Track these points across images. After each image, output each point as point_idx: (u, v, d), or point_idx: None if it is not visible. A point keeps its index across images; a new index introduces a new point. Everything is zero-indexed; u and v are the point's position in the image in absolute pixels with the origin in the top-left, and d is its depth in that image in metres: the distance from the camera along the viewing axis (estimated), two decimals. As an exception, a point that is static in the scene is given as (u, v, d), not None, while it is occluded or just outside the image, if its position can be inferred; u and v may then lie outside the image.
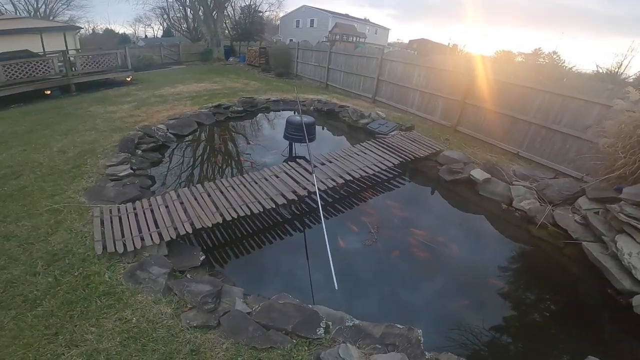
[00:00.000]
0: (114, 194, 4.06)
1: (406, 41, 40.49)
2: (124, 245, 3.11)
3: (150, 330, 2.41)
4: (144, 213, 3.60)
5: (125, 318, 2.48)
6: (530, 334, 2.95)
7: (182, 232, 3.33)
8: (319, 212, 3.47)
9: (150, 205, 3.76)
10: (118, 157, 5.03)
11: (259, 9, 26.34)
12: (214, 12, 21.04)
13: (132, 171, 4.75)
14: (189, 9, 27.14)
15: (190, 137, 7.08)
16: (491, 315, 3.07)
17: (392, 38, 45.91)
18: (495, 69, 6.85)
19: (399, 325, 2.54)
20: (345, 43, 26.48)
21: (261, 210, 3.82)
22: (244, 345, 2.34)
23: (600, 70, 11.84)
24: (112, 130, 6.39)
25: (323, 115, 9.01)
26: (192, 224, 3.46)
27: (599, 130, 4.77)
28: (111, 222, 3.42)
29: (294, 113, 9.02)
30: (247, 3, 25.34)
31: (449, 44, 27.82)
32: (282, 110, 9.52)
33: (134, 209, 3.68)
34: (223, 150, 6.73)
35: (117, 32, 37.98)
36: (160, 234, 3.29)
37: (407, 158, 5.62)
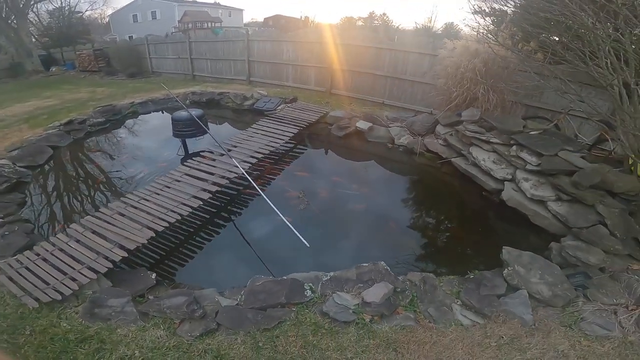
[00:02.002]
0: (-4, 248, 3.24)
1: (261, 19, 40.27)
2: (58, 291, 2.67)
3: (160, 357, 2.28)
4: (54, 255, 3.05)
5: (127, 355, 2.29)
6: (447, 239, 3.90)
7: (117, 259, 2.99)
8: (252, 189, 3.58)
9: (55, 245, 3.17)
10: (-35, 210, 3.88)
11: (76, 10, 21.78)
12: (11, 20, 16.49)
13: (0, 220, 3.78)
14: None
15: (50, 164, 5.80)
16: (414, 235, 3.86)
17: (246, 18, 44.86)
18: (348, 35, 7.88)
19: (364, 264, 2.99)
20: (200, 30, 24.67)
21: (190, 211, 3.68)
22: (256, 331, 2.41)
23: (418, 26, 14.80)
24: None
25: (203, 106, 8.55)
26: (122, 247, 3.11)
27: (434, 74, 6.21)
28: (20, 275, 2.85)
29: (163, 112, 8.33)
30: (56, 6, 20.57)
31: (301, 17, 29.42)
32: (154, 111, 8.62)
33: (37, 255, 3.07)
34: (104, 167, 5.80)
35: None
36: (92, 269, 2.88)
37: (301, 126, 6.11)
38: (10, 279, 2.86)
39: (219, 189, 4.12)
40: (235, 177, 4.32)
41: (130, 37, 22.34)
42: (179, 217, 3.56)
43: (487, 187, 4.50)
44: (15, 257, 3.12)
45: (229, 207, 4.39)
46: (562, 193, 3.67)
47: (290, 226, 3.14)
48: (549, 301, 2.64)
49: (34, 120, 7.42)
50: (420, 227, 4.13)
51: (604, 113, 3.52)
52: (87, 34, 22.27)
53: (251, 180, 3.69)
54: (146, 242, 3.23)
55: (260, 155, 4.93)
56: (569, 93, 3.97)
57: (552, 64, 4.12)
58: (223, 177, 4.28)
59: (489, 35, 5.02)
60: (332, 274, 2.96)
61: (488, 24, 5.75)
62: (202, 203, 3.83)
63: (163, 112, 8.61)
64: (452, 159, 5.15)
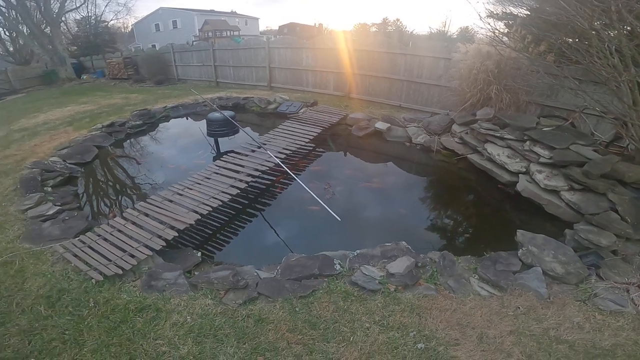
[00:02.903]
0: (59, 231, 3.71)
1: (275, 27, 41.38)
2: (119, 266, 3.05)
3: (209, 322, 2.56)
4: (114, 235, 3.48)
5: (179, 322, 2.57)
6: (464, 228, 4.18)
7: (170, 237, 3.41)
8: (283, 181, 3.97)
9: (113, 227, 3.62)
10: (31, 198, 4.40)
11: (102, 19, 23.08)
12: (45, 28, 17.66)
13: (59, 207, 4.28)
14: (2, 30, 21.67)
15: (96, 161, 6.39)
16: (433, 223, 4.15)
17: (261, 26, 46.25)
18: (365, 42, 8.26)
19: (387, 243, 3.30)
20: (220, 39, 25.65)
21: (229, 198, 4.10)
22: (293, 298, 2.73)
23: (432, 31, 15.11)
24: (-8, 176, 5.34)
25: (230, 110, 9.08)
26: (172, 228, 3.54)
27: (449, 77, 6.51)
28: (85, 252, 3.25)
29: (187, 118, 8.89)
30: (83, 15, 21.86)
31: (315, 24, 30.39)
32: (184, 115, 9.22)
33: (98, 235, 3.51)
34: (145, 164, 6.34)
35: None
36: (148, 246, 3.29)
37: (324, 126, 6.52)
38: (76, 256, 3.25)
39: (253, 179, 4.54)
40: (268, 169, 4.73)
41: (153, 46, 23.51)
42: (220, 203, 3.99)
43: (502, 180, 4.74)
44: (77, 238, 3.55)
45: (259, 199, 4.77)
46: (574, 183, 3.90)
47: (323, 204, 3.51)
48: (563, 278, 2.85)
49: (77, 123, 8.10)
50: (438, 216, 4.43)
51: (615, 110, 3.74)
52: (113, 43, 23.51)
53: (286, 168, 4.10)
54: (193, 223, 3.65)
55: (288, 152, 5.35)
56: (579, 91, 4.22)
57: (562, 65, 4.38)
58: (256, 169, 4.70)
59: (503, 37, 5.32)
60: (358, 251, 3.28)
61: (500, 27, 6.06)
62: (239, 191, 4.25)
63: (187, 118, 9.17)
64: (468, 155, 5.42)
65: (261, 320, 2.58)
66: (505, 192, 4.68)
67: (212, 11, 35.60)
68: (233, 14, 39.17)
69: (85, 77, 18.32)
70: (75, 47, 21.55)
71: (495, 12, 6.28)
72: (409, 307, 2.68)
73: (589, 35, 3.49)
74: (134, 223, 3.68)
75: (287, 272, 3.03)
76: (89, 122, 8.14)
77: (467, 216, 4.45)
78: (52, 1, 17.68)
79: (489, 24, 5.54)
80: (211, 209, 3.86)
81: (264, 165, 4.77)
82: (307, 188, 3.83)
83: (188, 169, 5.71)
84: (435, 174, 5.50)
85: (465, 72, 5.92)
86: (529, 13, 5.51)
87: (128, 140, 7.58)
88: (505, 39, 5.36)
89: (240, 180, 4.42)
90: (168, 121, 8.90)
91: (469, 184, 5.15)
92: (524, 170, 4.51)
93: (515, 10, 5.88)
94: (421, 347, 2.36)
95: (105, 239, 3.47)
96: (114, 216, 4.12)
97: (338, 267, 3.09)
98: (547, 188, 4.09)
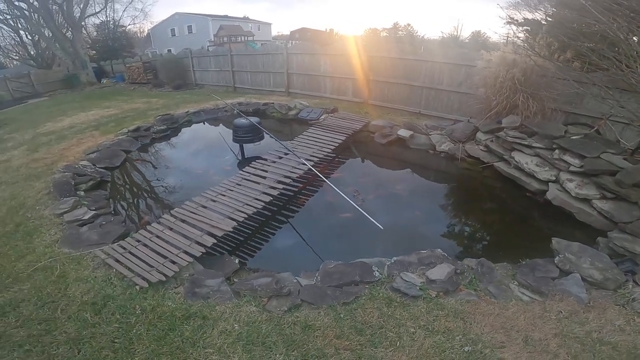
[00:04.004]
0: (97, 236, 3.79)
1: (287, 33, 41.91)
2: (161, 273, 3.09)
3: (256, 330, 2.58)
4: (153, 241, 3.53)
5: (227, 330, 2.58)
6: (495, 236, 4.18)
7: (209, 244, 3.46)
8: (310, 188, 4.03)
9: (152, 233, 3.69)
10: (66, 202, 4.52)
11: (120, 24, 23.64)
12: (67, 32, 18.13)
13: (94, 212, 4.39)
14: (25, 33, 22.35)
15: (125, 166, 6.56)
16: (463, 231, 4.19)
17: (273, 32, 46.77)
18: (384, 48, 8.34)
19: (422, 251, 3.35)
20: (235, 44, 26.03)
21: (263, 205, 4.18)
22: (336, 304, 2.76)
23: (444, 36, 15.17)
24: (26, 180, 5.50)
25: (250, 115, 9.23)
26: (210, 234, 3.60)
27: (471, 84, 6.54)
28: (126, 258, 3.31)
29: (204, 123, 9.09)
30: (101, 20, 22.43)
31: (326, 29, 30.81)
32: (205, 120, 9.39)
33: (138, 241, 3.57)
34: (174, 168, 6.49)
35: None
36: (188, 253, 3.34)
37: (348, 133, 6.59)
38: (118, 261, 3.29)
39: (285, 186, 4.62)
40: (297, 176, 4.81)
41: (169, 51, 24.00)
42: (255, 210, 4.05)
43: (531, 189, 4.75)
44: (117, 243, 3.58)
45: (286, 206, 4.81)
46: (606, 191, 3.91)
47: (362, 211, 3.57)
48: (601, 284, 2.90)
49: (103, 128, 8.32)
50: (467, 224, 4.47)
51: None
52: (131, 48, 24.03)
53: (322, 176, 4.17)
54: (231, 229, 3.71)
55: (315, 159, 5.41)
56: (608, 99, 4.24)
57: (589, 72, 4.39)
58: (287, 176, 4.79)
59: (526, 45, 5.35)
60: (395, 258, 3.32)
61: (522, 33, 6.08)
62: (272, 199, 4.32)
63: (204, 123, 9.32)
64: (494, 164, 5.43)
65: (308, 327, 2.59)
66: (534, 201, 4.69)
67: (226, 16, 36.17)
68: (246, 19, 39.74)
69: (105, 81, 18.77)
70: (94, 52, 22.10)
71: (515, 19, 6.32)
72: (452, 312, 2.72)
73: (618, 43, 3.52)
74: (171, 229, 3.74)
75: (326, 279, 3.08)
76: (115, 126, 8.34)
77: (496, 224, 4.47)
78: (73, 5, 18.15)
79: (523, 33, 5.59)
80: (246, 216, 3.93)
81: (293, 172, 4.85)
82: (346, 197, 3.91)
83: (215, 174, 5.85)
84: (461, 182, 5.52)
85: (491, 80, 5.95)
86: (545, 18, 5.54)
87: (154, 145, 7.76)
88: (528, 46, 5.39)
89: (272, 187, 4.50)
90: (190, 126, 9.09)
91: (496, 192, 5.17)
92: (554, 178, 4.52)
93: (531, 16, 5.92)
94: (468, 350, 2.41)
95: (145, 245, 3.51)
96: (146, 222, 4.20)
97: (377, 273, 3.14)
98: (579, 197, 4.10)
